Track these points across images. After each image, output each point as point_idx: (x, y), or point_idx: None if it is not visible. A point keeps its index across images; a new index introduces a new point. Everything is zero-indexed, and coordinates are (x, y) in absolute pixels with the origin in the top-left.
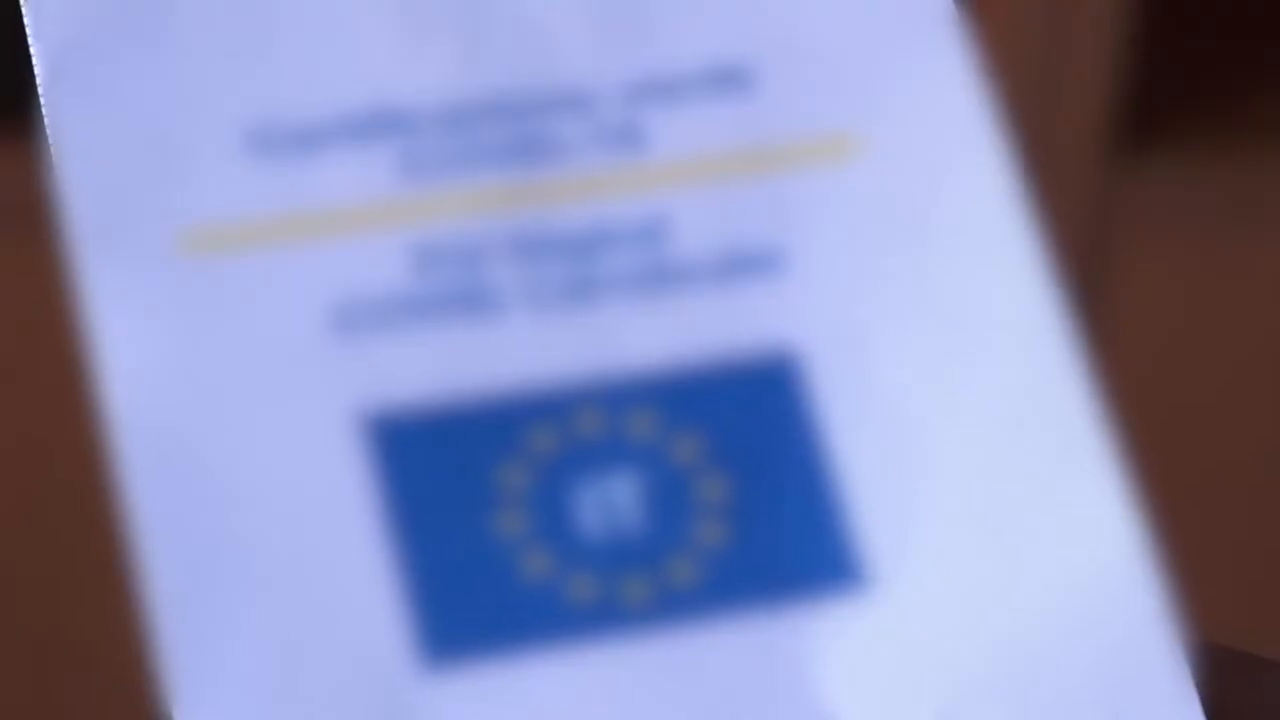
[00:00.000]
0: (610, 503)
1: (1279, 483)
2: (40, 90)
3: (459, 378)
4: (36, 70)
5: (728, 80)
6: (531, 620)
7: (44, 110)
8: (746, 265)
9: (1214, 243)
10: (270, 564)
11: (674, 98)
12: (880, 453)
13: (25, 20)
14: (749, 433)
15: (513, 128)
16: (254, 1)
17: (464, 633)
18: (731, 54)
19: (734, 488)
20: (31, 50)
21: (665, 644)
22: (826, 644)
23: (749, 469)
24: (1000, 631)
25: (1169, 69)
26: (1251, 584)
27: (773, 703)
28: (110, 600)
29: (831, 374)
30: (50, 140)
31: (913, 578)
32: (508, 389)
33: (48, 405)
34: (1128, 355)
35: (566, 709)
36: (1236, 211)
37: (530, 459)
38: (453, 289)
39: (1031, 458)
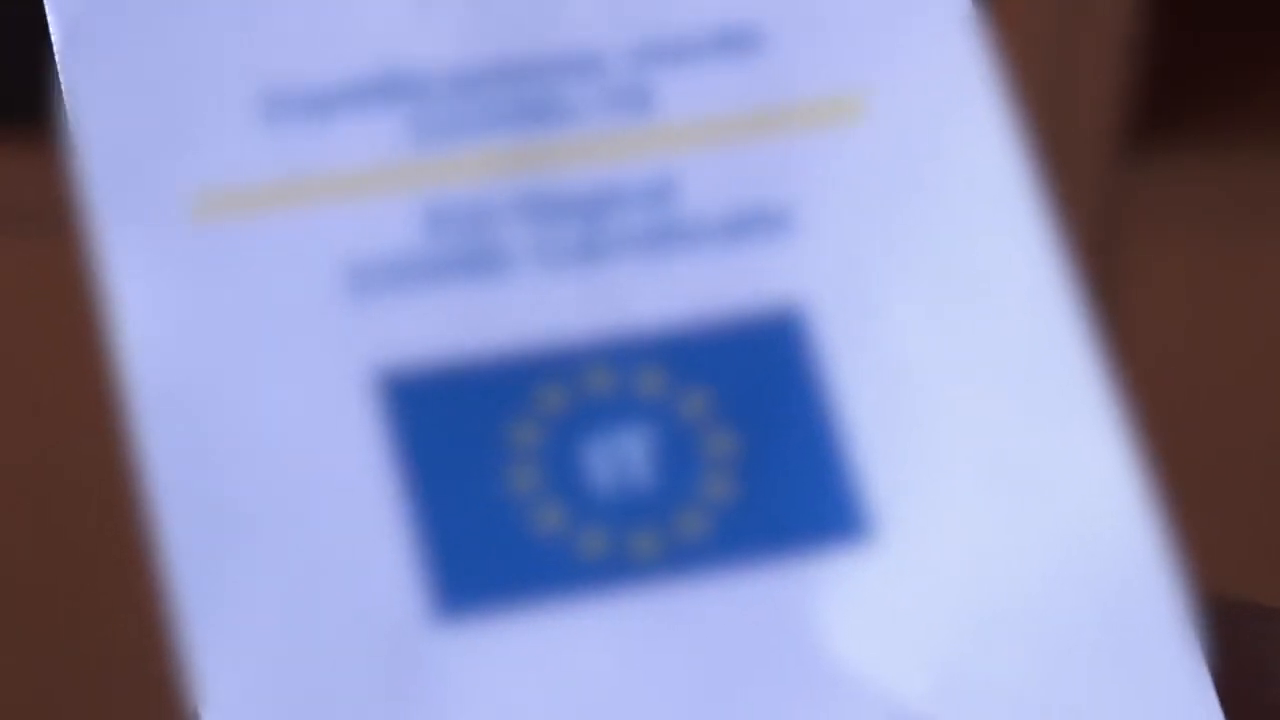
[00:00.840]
0: (620, 458)
1: None
2: (56, 57)
3: (471, 337)
4: (53, 37)
5: (735, 42)
6: (543, 573)
7: (60, 77)
8: (754, 224)
9: (1225, 241)
10: (285, 521)
11: (681, 59)
12: (886, 407)
13: None
14: (756, 388)
15: (521, 90)
16: None
17: (476, 586)
18: (739, 15)
19: (742, 442)
20: (48, 18)
21: (674, 596)
22: (833, 595)
23: (756, 424)
24: (1005, 581)
25: (1180, 67)
26: (1263, 588)
27: (780, 653)
28: (130, 568)
29: (838, 330)
30: (66, 107)
31: (918, 529)
32: (519, 347)
33: (64, 405)
34: (1138, 353)
35: (577, 660)
36: (1247, 210)
37: (541, 415)
38: (464, 249)
39: (1035, 410)
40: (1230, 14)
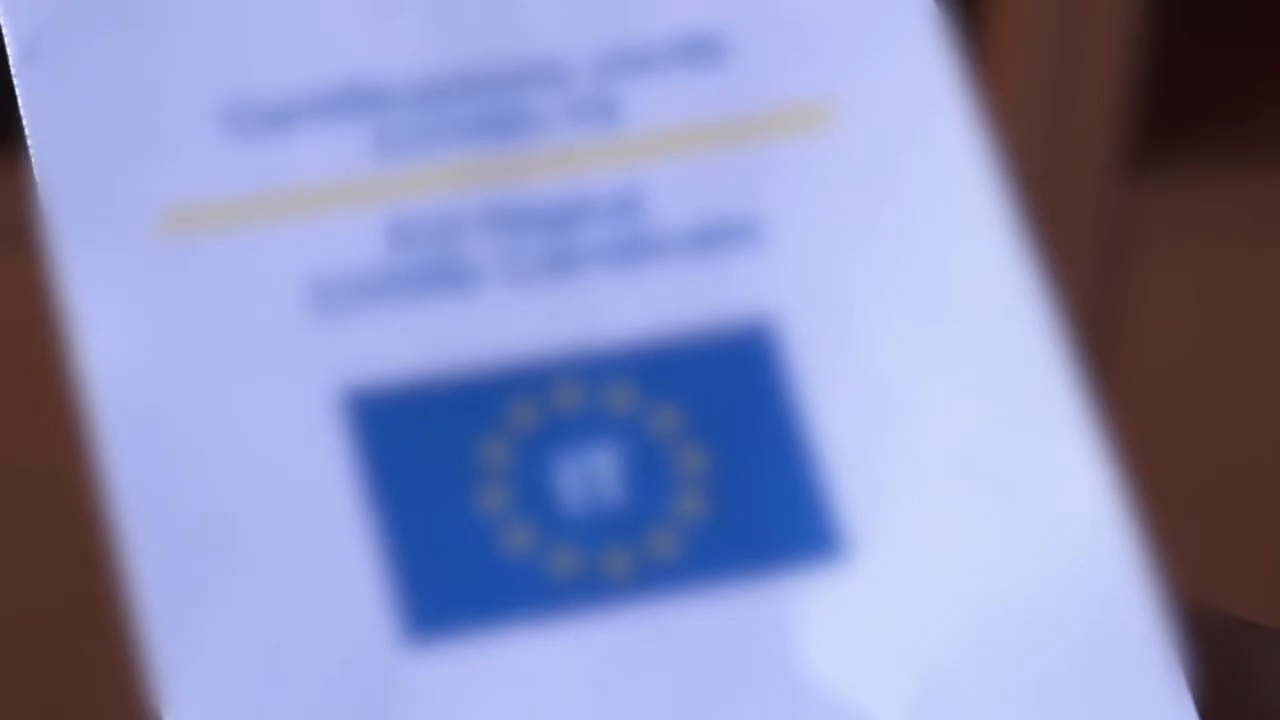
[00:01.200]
0: (591, 475)
1: None
2: (13, 74)
3: (437, 353)
4: (9, 51)
5: (701, 50)
6: (514, 594)
7: (18, 92)
8: (723, 236)
9: (1231, 253)
10: (251, 542)
11: (647, 69)
12: (859, 421)
13: None
14: (728, 403)
15: (485, 101)
16: None
17: (447, 607)
18: (705, 24)
19: (713, 459)
20: (4, 33)
21: (647, 616)
22: (808, 613)
23: (728, 440)
24: (982, 598)
25: (1185, 79)
26: (1270, 599)
27: (755, 672)
28: (94, 588)
29: (809, 343)
30: (25, 122)
31: (893, 546)
32: (486, 363)
33: (37, 417)
34: (1145, 366)
35: (549, 681)
36: (1254, 222)
37: (510, 433)
38: (429, 264)
39: (1011, 425)
40: (1235, 25)
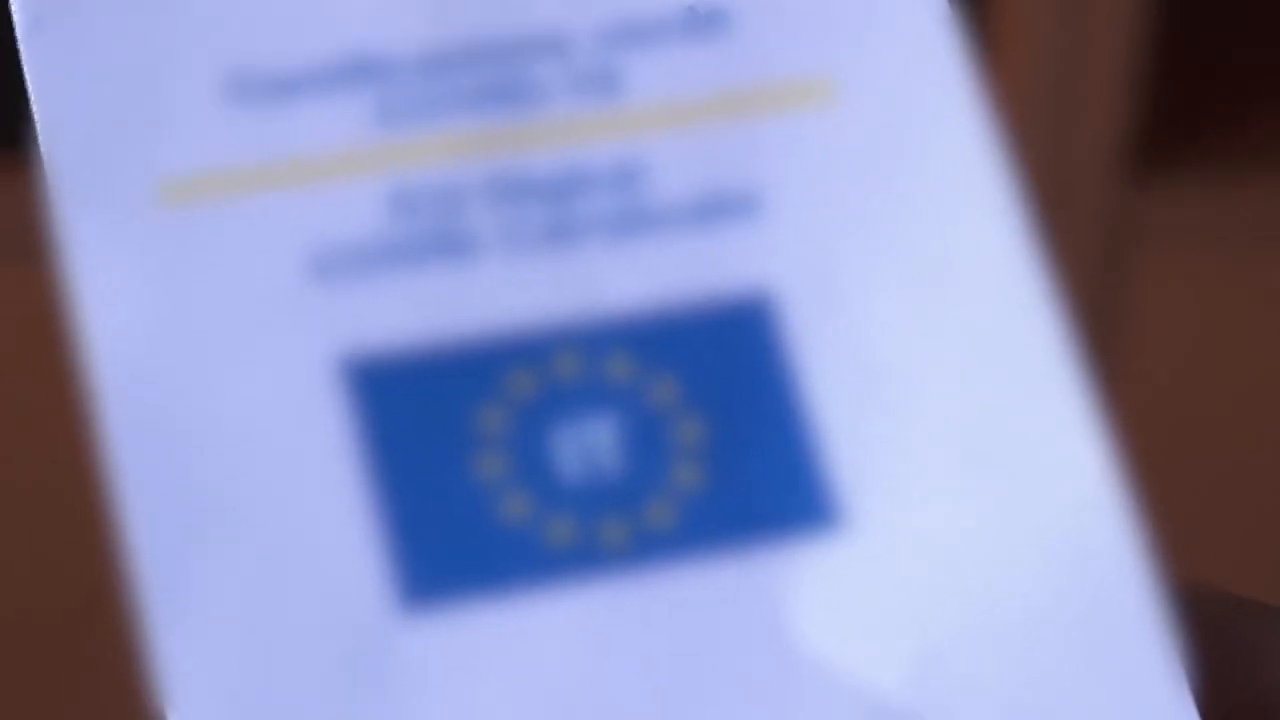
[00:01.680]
0: (588, 445)
1: None
2: (20, 44)
3: (437, 322)
4: (16, 21)
5: (704, 23)
6: (510, 562)
7: (24, 62)
8: (723, 209)
9: (1233, 263)
10: (249, 510)
11: (650, 41)
12: (856, 394)
13: None
14: (726, 375)
15: (488, 73)
16: None
17: (443, 574)
18: None
19: (710, 430)
20: (12, 4)
21: (643, 585)
22: (804, 584)
23: (725, 411)
24: (978, 570)
25: (1186, 89)
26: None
27: (750, 642)
28: (96, 590)
29: (807, 316)
30: (30, 92)
31: (889, 517)
32: (486, 332)
33: (43, 423)
34: (1146, 374)
35: (546, 649)
36: (1254, 232)
37: (509, 401)
38: (430, 233)
39: (1009, 400)
40: (1238, 34)
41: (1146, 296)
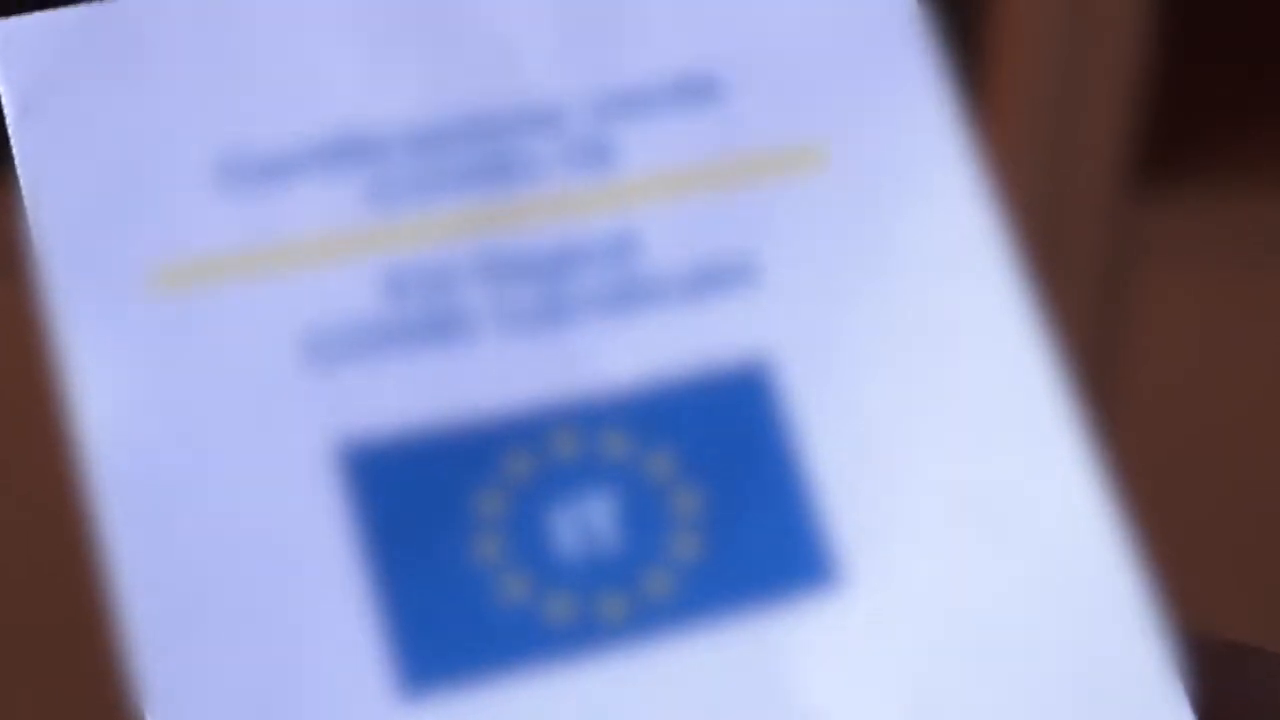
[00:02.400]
0: (586, 522)
1: None
2: (9, 127)
3: (433, 404)
4: (5, 107)
5: (696, 92)
6: (510, 643)
7: (14, 148)
8: (718, 278)
9: (1234, 278)
10: (247, 597)
11: (643, 112)
12: (851, 454)
13: None
14: (722, 444)
15: (481, 148)
16: (221, 35)
17: (443, 659)
18: (699, 65)
19: (708, 499)
20: (0, 90)
21: (644, 658)
22: (804, 646)
23: (722, 480)
24: (976, 625)
25: (1188, 102)
26: (1271, 620)
27: (755, 707)
28: (87, 632)
29: (803, 381)
30: (20, 178)
31: (886, 576)
32: (482, 414)
33: (25, 442)
34: (1147, 389)
35: None
36: (1256, 245)
37: (506, 483)
38: (424, 314)
39: (1004, 458)
40: (1239, 49)
41: (1148, 309)
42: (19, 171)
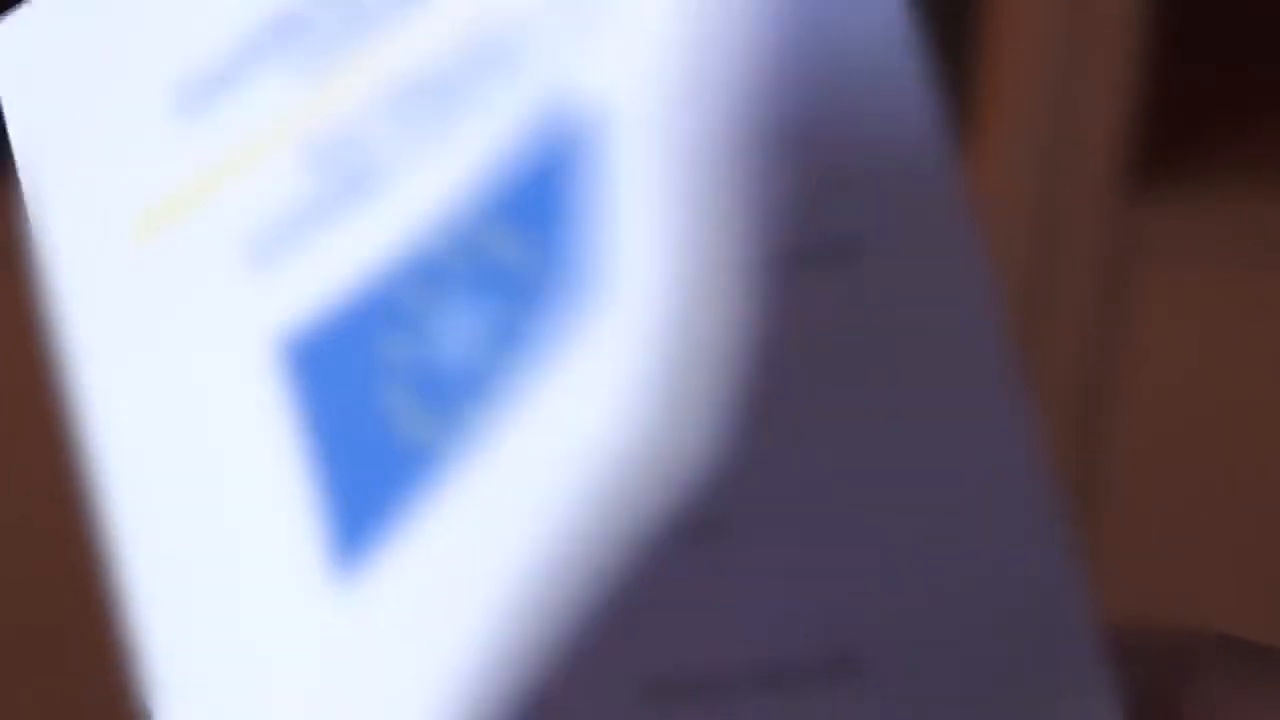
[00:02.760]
0: (468, 338)
1: None
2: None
3: (354, 266)
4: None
5: None
6: (417, 483)
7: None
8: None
9: (1232, 278)
10: (208, 495)
11: None
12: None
13: None
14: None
15: None
16: None
17: (374, 529)
18: None
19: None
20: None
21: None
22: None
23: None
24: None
25: (1185, 103)
26: (1268, 618)
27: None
28: (86, 631)
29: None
30: (12, 142)
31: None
32: (389, 258)
33: (24, 436)
34: (1145, 389)
35: (463, 551)
36: (1253, 245)
37: (408, 321)
38: (342, 180)
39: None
40: (1236, 50)
41: (1147, 309)
42: (11, 140)
